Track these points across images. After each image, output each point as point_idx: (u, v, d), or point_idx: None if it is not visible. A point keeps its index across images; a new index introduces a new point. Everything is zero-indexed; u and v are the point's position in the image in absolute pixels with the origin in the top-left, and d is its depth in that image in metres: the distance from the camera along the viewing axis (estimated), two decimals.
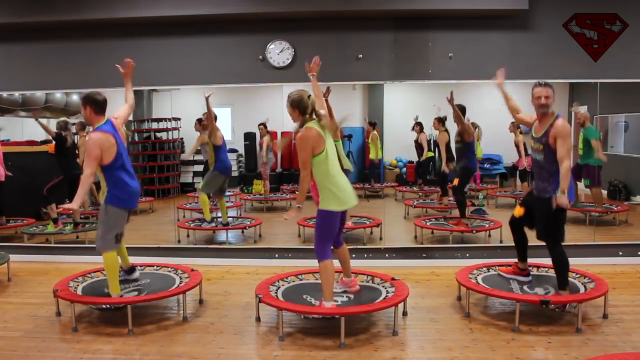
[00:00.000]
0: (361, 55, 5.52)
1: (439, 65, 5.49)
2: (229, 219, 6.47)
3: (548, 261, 4.25)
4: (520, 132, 6.93)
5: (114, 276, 3.85)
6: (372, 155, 7.46)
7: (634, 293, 4.43)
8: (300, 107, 3.54)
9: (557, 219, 3.74)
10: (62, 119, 6.26)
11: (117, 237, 3.84)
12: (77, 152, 6.40)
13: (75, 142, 6.38)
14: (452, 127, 6.26)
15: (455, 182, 6.10)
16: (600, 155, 6.36)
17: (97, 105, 3.75)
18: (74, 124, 6.49)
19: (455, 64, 5.47)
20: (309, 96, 3.59)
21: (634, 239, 5.79)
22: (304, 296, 3.90)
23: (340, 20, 5.51)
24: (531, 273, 4.22)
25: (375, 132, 7.38)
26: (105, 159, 3.67)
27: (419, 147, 7.36)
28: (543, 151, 3.71)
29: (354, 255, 5.47)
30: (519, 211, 4.02)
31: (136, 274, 4.29)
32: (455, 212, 6.61)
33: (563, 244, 3.78)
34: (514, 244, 4.15)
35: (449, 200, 6.71)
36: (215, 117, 6.14)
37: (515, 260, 4.20)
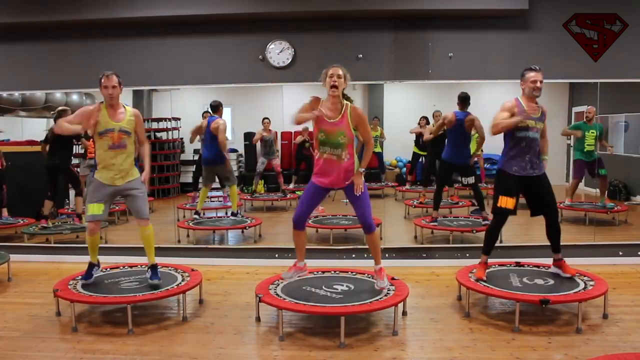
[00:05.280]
0: (361, 55, 5.52)
1: (439, 65, 5.49)
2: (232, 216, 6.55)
3: (547, 261, 4.28)
4: None
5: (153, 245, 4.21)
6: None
7: (634, 293, 4.44)
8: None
9: None
10: (62, 107, 6.17)
11: None
12: (72, 144, 6.33)
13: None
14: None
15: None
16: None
17: None
18: None
19: (455, 64, 5.47)
20: None
21: (634, 239, 5.80)
22: (304, 287, 3.97)
23: (340, 20, 5.50)
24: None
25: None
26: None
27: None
28: (539, 129, 4.06)
29: (353, 255, 5.48)
30: (512, 202, 4.04)
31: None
32: (455, 212, 6.69)
33: (564, 244, 3.84)
34: (486, 243, 4.26)
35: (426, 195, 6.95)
36: (206, 112, 6.62)
37: (480, 261, 4.23)
